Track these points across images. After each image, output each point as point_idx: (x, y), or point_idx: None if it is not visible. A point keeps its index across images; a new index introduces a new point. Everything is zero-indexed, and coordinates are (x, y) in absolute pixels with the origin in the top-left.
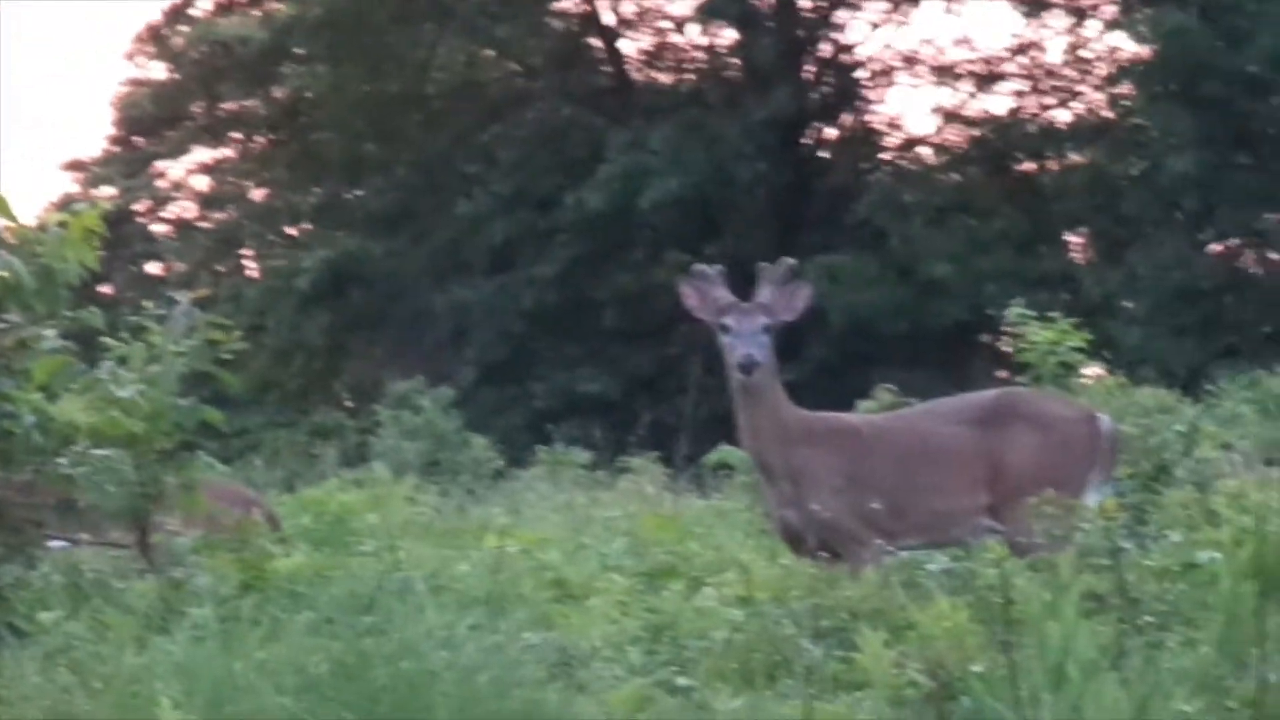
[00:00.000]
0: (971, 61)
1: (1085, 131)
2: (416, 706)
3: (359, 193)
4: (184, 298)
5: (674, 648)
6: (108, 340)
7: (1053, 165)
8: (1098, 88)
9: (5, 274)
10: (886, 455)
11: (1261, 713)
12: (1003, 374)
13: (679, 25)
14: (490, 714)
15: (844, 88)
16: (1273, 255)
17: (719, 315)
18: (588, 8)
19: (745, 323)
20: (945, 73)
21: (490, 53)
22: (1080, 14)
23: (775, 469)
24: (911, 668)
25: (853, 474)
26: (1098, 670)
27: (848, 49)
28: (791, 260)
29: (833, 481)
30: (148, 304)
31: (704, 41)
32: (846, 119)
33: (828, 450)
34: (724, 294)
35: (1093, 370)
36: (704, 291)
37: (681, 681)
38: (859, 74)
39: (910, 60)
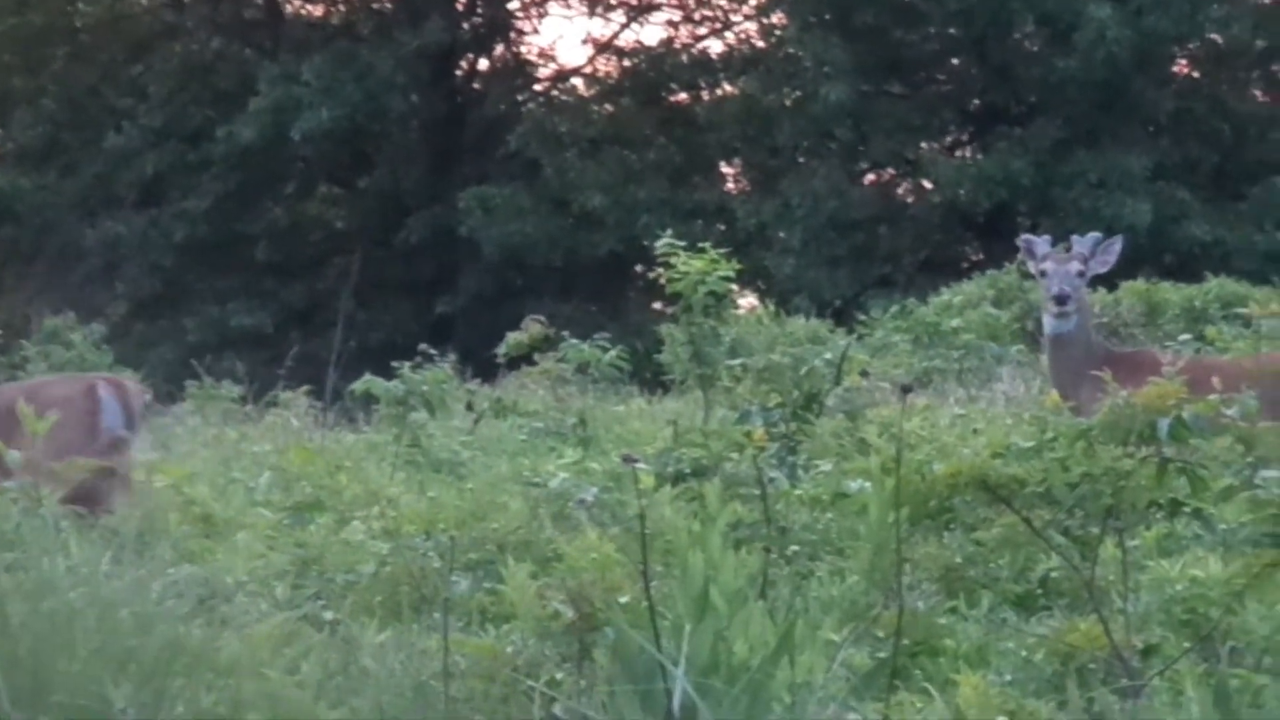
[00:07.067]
0: None
1: (738, 61)
2: (57, 644)
3: (4, 128)
4: None
5: (320, 581)
6: None
7: (706, 95)
8: (750, 17)
9: None
10: None
11: (906, 640)
12: (657, 305)
13: None
14: (132, 650)
15: (496, 18)
16: (926, 184)
17: None
18: None
19: None
20: (597, 3)
21: None
22: None
23: None
24: (556, 599)
25: None
26: (744, 600)
27: None
28: None
29: None
30: None
31: None
32: (499, 50)
33: None
34: None
35: (747, 301)
36: None
37: (328, 615)
38: (511, 4)
39: None
